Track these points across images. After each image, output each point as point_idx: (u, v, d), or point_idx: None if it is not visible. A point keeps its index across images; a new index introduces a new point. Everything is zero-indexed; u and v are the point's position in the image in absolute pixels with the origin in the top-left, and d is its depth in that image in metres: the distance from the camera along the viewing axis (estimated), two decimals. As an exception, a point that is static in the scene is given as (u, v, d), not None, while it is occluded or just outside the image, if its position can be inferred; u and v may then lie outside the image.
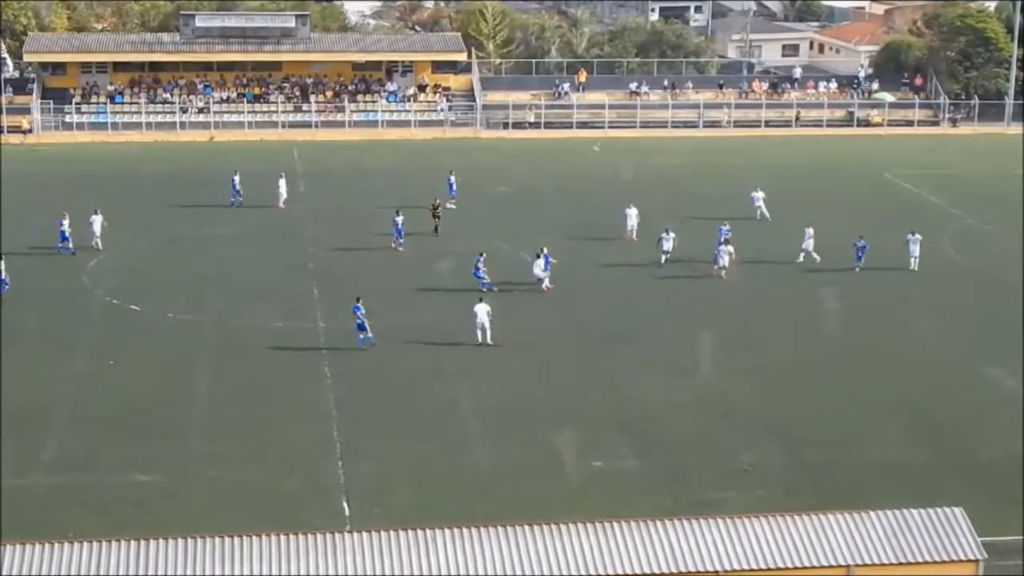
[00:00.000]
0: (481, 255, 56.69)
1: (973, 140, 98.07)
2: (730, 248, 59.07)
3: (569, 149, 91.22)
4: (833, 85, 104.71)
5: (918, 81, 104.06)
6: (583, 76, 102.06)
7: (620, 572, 28.35)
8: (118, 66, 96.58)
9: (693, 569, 28.59)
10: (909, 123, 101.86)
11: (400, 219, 63.36)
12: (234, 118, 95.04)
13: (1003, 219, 71.45)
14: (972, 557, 29.27)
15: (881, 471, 39.55)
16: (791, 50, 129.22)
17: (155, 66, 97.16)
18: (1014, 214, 72.46)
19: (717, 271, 58.82)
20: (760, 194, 70.07)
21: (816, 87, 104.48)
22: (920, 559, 29.09)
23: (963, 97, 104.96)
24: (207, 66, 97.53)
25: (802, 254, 61.19)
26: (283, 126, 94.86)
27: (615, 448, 40.88)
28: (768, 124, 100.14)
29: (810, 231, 61.53)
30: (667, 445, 41.05)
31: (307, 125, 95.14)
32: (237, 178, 71.82)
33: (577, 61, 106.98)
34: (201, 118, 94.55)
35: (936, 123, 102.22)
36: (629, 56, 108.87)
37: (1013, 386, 46.72)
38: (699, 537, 29.13)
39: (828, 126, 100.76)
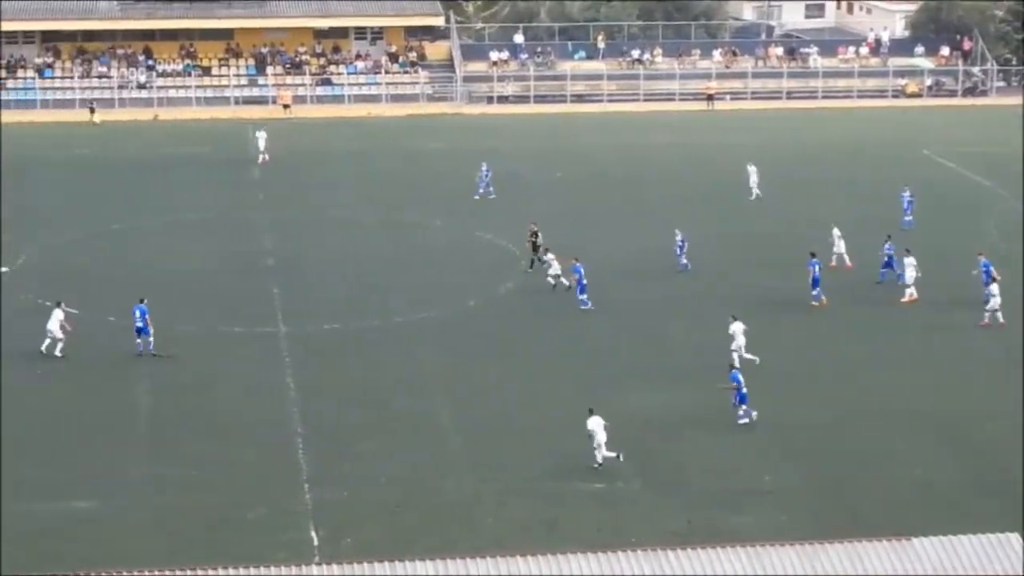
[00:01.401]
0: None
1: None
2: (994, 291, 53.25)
3: (565, 125, 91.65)
4: (864, 50, 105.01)
5: (965, 45, 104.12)
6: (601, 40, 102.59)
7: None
8: (47, 35, 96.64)
9: (708, 605, 28.62)
10: (952, 93, 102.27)
11: None
12: (180, 94, 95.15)
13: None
14: (1030, 588, 29.35)
15: (917, 492, 39.79)
16: (815, 10, 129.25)
17: (89, 35, 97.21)
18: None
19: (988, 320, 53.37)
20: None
21: (846, 52, 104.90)
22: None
23: (1014, 63, 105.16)
24: (148, 35, 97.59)
25: (833, 257, 59.15)
26: (236, 102, 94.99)
27: (614, 468, 40.99)
28: (790, 95, 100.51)
29: (837, 232, 59.91)
30: (673, 465, 40.99)
31: (263, 101, 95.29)
32: (485, 167, 72.61)
33: (570, 25, 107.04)
34: (142, 94, 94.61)
35: (985, 93, 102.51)
36: (630, 19, 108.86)
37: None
38: (717, 568, 29.17)
39: (859, 97, 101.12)
